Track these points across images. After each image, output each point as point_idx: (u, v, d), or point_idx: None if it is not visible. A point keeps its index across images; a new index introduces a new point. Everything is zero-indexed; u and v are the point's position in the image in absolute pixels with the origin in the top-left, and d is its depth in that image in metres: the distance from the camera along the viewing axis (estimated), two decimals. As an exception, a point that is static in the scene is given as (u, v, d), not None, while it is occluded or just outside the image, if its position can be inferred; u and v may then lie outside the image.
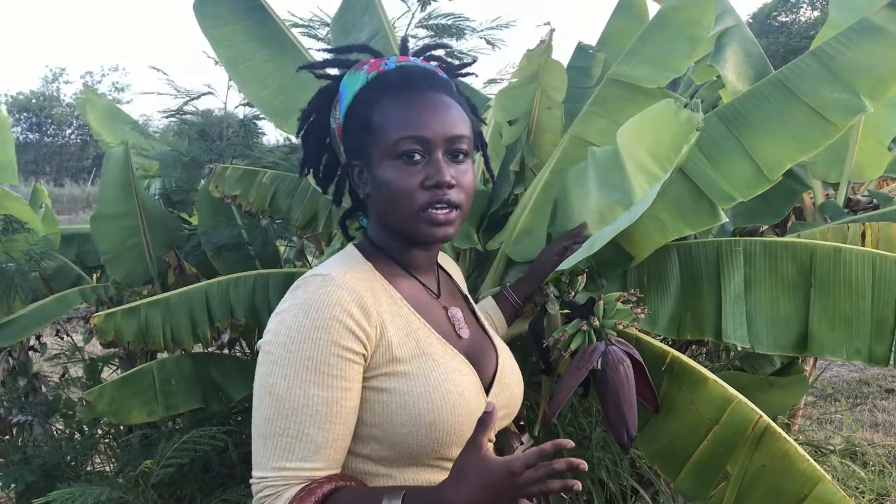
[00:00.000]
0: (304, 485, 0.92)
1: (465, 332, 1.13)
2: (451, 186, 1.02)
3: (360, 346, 0.97)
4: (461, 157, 1.05)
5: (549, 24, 1.80)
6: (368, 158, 1.05)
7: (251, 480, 0.96)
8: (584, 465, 0.80)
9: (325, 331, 0.94)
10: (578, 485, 0.81)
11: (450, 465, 1.02)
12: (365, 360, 0.98)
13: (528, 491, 0.83)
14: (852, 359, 1.61)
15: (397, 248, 1.10)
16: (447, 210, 1.02)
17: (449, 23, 2.76)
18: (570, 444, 0.82)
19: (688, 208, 1.65)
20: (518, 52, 1.82)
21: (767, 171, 1.65)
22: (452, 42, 2.83)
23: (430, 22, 2.75)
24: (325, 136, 1.17)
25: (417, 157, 1.01)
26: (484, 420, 0.85)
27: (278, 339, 0.96)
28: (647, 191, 1.51)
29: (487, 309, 1.52)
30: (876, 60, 1.70)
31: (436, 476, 1.03)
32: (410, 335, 1.03)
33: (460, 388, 1.03)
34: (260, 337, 2.24)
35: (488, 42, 2.87)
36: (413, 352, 1.02)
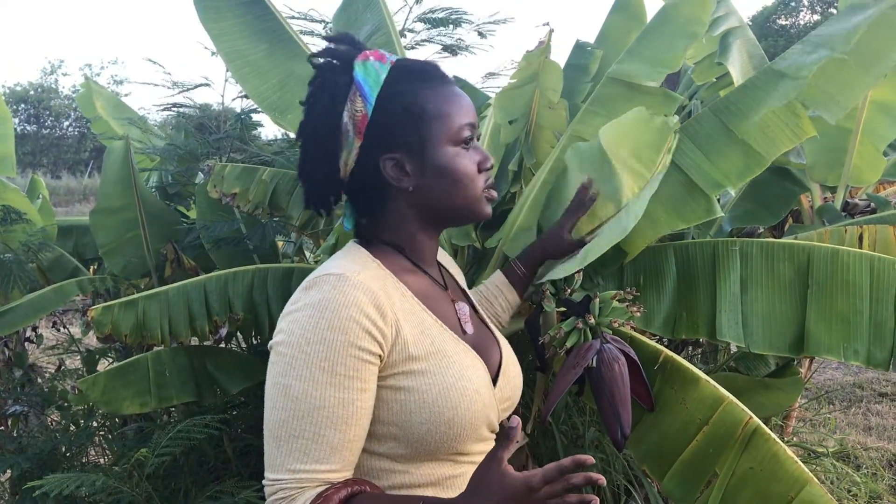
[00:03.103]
0: (319, 487, 0.92)
1: (469, 328, 1.14)
2: None
3: (377, 346, 0.96)
4: None
5: (547, 24, 1.81)
6: (422, 147, 1.05)
7: (264, 482, 0.95)
8: (603, 480, 0.81)
9: (341, 332, 0.93)
10: (596, 500, 0.82)
11: (463, 458, 1.05)
12: (381, 361, 0.98)
13: None
14: (850, 359, 1.60)
15: (418, 240, 1.11)
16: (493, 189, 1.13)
17: (445, 16, 2.77)
18: (591, 460, 0.82)
19: (682, 202, 1.64)
20: (516, 47, 1.83)
21: (744, 137, 1.61)
22: (445, 37, 2.83)
23: (427, 16, 2.76)
24: (335, 132, 1.07)
25: (472, 142, 1.09)
26: (507, 434, 0.84)
27: (292, 339, 0.95)
28: (633, 190, 1.51)
29: (499, 285, 1.52)
30: (858, 24, 1.61)
31: (450, 470, 1.04)
32: (425, 332, 1.03)
33: (475, 384, 1.04)
34: (258, 332, 2.26)
35: (480, 34, 2.86)
36: (428, 349, 1.01)
